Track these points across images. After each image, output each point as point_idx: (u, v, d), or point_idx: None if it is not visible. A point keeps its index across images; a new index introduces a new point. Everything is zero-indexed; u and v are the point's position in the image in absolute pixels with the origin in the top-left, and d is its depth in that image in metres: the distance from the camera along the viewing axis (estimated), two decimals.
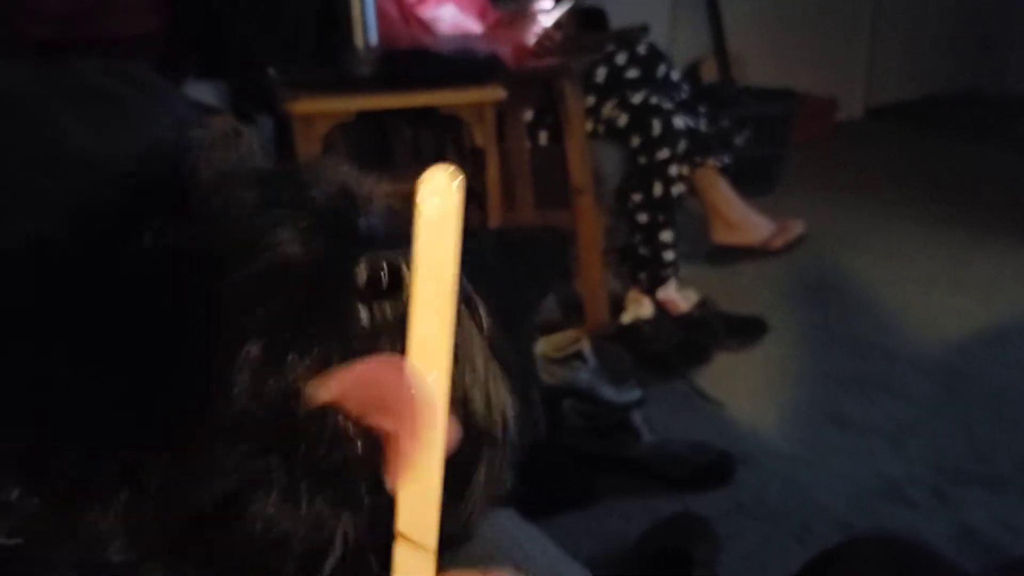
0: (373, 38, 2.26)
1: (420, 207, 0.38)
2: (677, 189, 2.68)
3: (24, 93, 0.55)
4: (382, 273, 0.40)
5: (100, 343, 0.40)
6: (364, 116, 2.22)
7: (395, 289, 0.40)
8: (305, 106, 2.10)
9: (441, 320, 0.38)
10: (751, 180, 3.73)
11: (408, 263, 0.40)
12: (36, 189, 0.45)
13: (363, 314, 0.40)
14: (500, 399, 0.46)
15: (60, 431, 0.39)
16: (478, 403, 0.45)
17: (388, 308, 0.41)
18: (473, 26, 2.72)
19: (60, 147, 0.49)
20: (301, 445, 0.39)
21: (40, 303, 0.42)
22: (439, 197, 0.38)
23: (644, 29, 2.93)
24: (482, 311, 0.47)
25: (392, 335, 0.41)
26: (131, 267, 0.42)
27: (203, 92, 2.91)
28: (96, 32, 2.44)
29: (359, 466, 0.39)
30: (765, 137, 3.88)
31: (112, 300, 0.41)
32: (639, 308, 2.67)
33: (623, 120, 2.68)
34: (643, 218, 2.70)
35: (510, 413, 0.47)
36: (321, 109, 2.12)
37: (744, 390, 2.41)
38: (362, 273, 0.40)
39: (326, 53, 2.36)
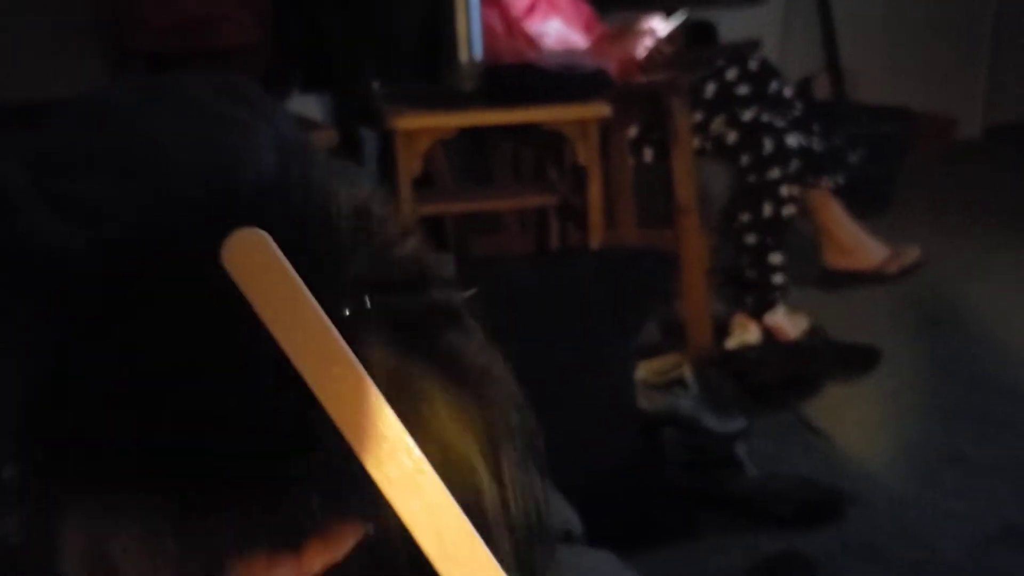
0: (478, 53, 2.26)
1: (242, 285, 0.32)
2: (788, 210, 2.63)
3: (128, 106, 0.54)
4: None
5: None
6: (465, 131, 2.22)
7: None
8: (408, 122, 2.11)
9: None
10: (864, 201, 3.64)
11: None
12: (126, 195, 0.45)
13: None
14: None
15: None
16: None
17: None
18: (579, 40, 2.70)
19: (158, 159, 0.48)
20: None
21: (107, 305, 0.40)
22: (257, 261, 0.32)
23: (755, 44, 2.90)
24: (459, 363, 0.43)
25: None
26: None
27: (308, 106, 2.97)
28: (202, 44, 2.50)
29: None
30: (879, 157, 3.79)
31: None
32: (745, 333, 2.63)
33: (732, 137, 2.63)
34: (751, 239, 2.65)
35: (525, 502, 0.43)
36: (423, 125, 2.12)
37: (855, 423, 2.33)
38: None
39: (431, 67, 2.37)
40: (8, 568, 0.39)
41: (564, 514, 1.03)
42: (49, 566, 0.38)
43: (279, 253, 0.32)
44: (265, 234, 0.32)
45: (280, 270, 0.32)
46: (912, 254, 2.98)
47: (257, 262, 0.32)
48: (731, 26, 3.80)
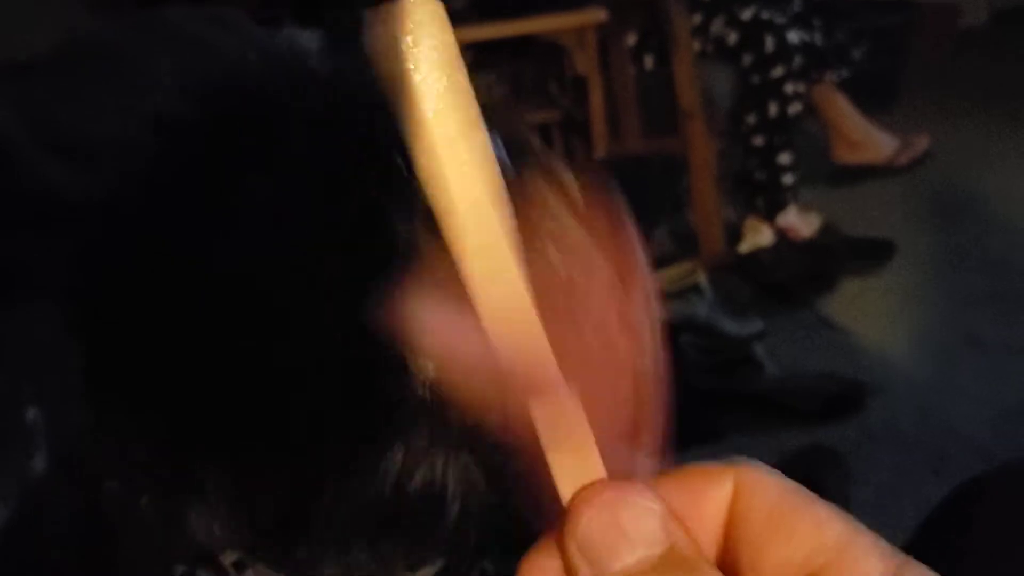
0: None
1: (413, 61, 0.28)
2: (794, 108, 2.59)
3: (119, 43, 0.55)
4: None
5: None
6: (461, 50, 2.18)
7: None
8: None
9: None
10: (871, 97, 3.60)
11: None
12: (123, 134, 0.45)
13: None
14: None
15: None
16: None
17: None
18: None
19: (151, 92, 0.48)
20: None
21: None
22: (431, 37, 0.28)
23: None
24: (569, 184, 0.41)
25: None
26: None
27: (301, 41, 2.94)
28: None
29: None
30: (883, 51, 3.72)
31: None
32: (758, 236, 2.60)
33: (733, 38, 2.57)
34: (759, 140, 2.61)
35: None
36: None
37: (872, 316, 2.32)
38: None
39: None
40: (39, 501, 0.39)
41: None
42: (78, 500, 0.38)
43: (448, 27, 0.29)
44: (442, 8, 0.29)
45: (448, 39, 0.29)
46: (921, 143, 2.94)
47: (427, 31, 0.29)
48: None
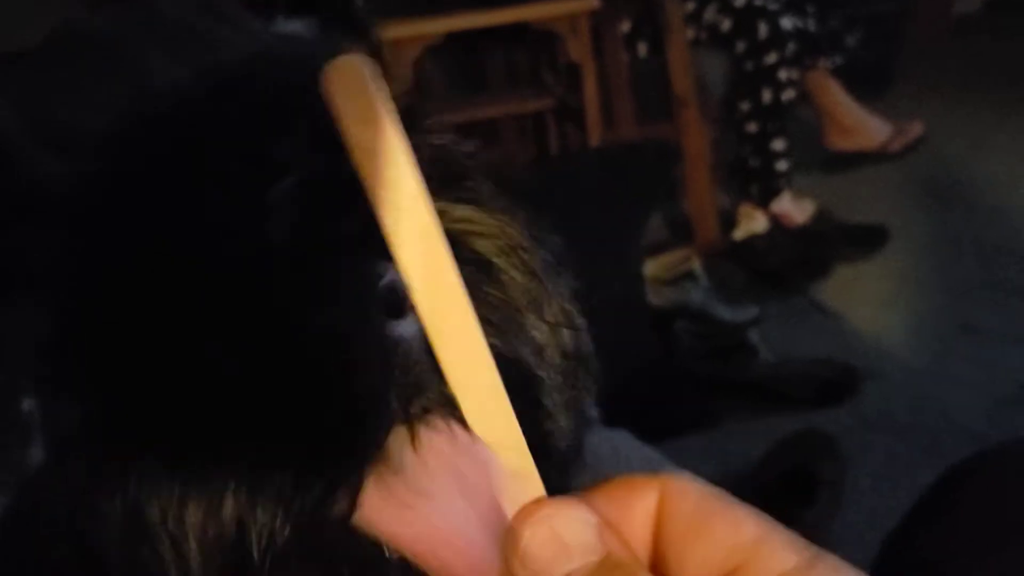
0: None
1: (344, 123, 0.31)
2: (787, 95, 2.58)
3: (111, 33, 0.54)
4: None
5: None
6: (455, 38, 2.17)
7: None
8: (392, 31, 2.06)
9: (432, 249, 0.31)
10: (865, 83, 3.60)
11: None
12: (114, 123, 0.43)
13: None
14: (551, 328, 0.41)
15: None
16: (524, 343, 0.40)
17: None
18: None
19: (144, 82, 0.49)
20: None
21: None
22: (357, 97, 0.30)
23: None
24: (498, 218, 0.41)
25: None
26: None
27: (293, 29, 2.93)
28: None
29: None
30: (877, 37, 3.72)
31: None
32: (752, 223, 2.59)
33: (726, 25, 2.56)
34: (752, 127, 2.60)
35: (569, 332, 0.42)
36: (409, 33, 2.07)
37: (867, 302, 2.31)
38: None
39: None
40: (33, 494, 0.39)
41: None
42: (73, 495, 0.38)
43: (374, 84, 0.31)
44: (367, 61, 0.31)
45: (372, 99, 0.31)
46: (914, 129, 2.93)
47: (353, 88, 0.31)
48: None
